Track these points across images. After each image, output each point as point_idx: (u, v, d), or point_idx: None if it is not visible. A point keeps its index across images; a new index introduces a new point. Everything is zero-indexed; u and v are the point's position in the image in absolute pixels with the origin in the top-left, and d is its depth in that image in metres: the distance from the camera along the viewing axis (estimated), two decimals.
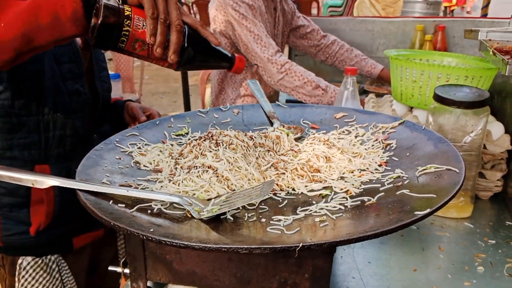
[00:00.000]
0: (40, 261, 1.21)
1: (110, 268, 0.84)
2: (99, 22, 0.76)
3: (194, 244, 0.53)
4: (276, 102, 1.15)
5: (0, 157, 1.14)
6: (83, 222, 1.23)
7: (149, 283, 0.76)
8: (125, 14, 0.79)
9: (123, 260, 0.81)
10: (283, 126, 1.01)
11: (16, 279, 1.21)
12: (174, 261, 0.72)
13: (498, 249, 0.93)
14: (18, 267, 1.20)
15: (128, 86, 4.58)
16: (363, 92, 2.24)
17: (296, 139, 0.96)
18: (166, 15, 0.80)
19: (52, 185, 0.69)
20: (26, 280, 1.20)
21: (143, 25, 0.79)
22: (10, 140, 1.12)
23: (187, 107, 4.22)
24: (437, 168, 0.72)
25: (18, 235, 1.20)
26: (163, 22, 0.79)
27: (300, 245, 0.51)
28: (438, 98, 1.02)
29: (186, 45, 0.82)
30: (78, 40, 1.20)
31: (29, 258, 1.20)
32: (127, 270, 0.79)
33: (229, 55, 0.91)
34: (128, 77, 4.35)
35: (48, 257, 1.23)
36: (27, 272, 1.20)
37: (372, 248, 0.95)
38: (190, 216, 0.65)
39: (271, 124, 1.04)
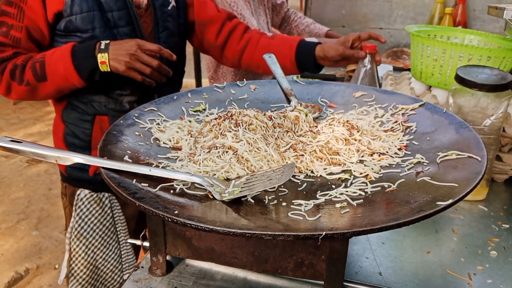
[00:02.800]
0: (95, 195, 1.35)
1: (129, 240, 0.86)
2: None
3: (219, 229, 0.54)
4: (293, 78, 1.14)
5: (72, 104, 1.32)
6: None
7: (168, 257, 0.79)
8: None
9: (142, 234, 0.83)
10: (301, 104, 1.01)
11: (73, 208, 1.35)
12: (193, 237, 0.73)
13: None
14: (76, 198, 1.35)
15: None
16: None
17: (314, 119, 0.96)
18: None
19: (76, 161, 0.70)
20: (81, 210, 1.35)
21: None
22: (77, 94, 1.29)
23: (198, 73, 4.19)
24: (459, 155, 0.72)
25: (79, 171, 1.35)
26: None
27: (324, 233, 0.52)
28: (460, 80, 1.00)
29: None
30: (141, 3, 1.29)
31: (86, 191, 1.34)
32: (146, 243, 0.81)
33: None
34: None
35: (103, 193, 1.37)
36: (83, 203, 1.35)
37: None
38: (211, 197, 0.66)
39: (288, 101, 1.04)
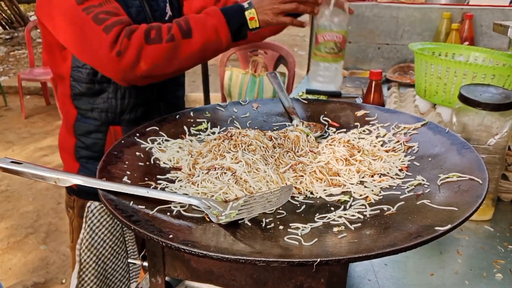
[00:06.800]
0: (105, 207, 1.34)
1: (129, 260, 0.86)
2: None
3: (213, 254, 0.53)
4: (296, 96, 1.14)
5: (83, 116, 1.35)
6: None
7: (167, 278, 0.78)
8: None
9: (142, 254, 0.83)
10: (302, 123, 1.01)
11: (84, 220, 1.35)
12: (192, 259, 0.73)
13: None
14: (86, 210, 1.34)
15: None
16: (386, 81, 2.20)
17: (316, 138, 0.96)
18: None
19: (74, 183, 0.71)
20: (92, 222, 1.35)
21: None
22: (92, 103, 1.32)
23: (206, 87, 4.22)
24: (460, 177, 0.71)
25: None
26: None
27: (318, 260, 0.51)
28: (463, 99, 0.99)
29: None
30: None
31: (97, 203, 1.34)
32: (146, 263, 0.81)
33: None
34: None
35: None
36: (93, 214, 1.35)
37: None
38: (208, 219, 0.66)
39: (291, 119, 1.03)
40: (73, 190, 1.44)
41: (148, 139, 0.91)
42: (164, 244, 0.56)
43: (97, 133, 1.35)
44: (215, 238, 0.61)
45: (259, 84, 2.96)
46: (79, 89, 1.31)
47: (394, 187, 0.75)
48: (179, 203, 0.69)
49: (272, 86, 1.16)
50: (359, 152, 0.84)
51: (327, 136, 0.97)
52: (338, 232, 0.61)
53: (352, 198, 0.73)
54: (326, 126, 1.03)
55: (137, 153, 0.85)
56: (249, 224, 0.65)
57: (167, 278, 0.78)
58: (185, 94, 1.57)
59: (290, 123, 1.03)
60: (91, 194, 1.34)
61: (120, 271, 1.44)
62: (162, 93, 1.39)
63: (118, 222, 1.38)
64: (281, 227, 0.64)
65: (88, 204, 1.34)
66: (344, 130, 1.00)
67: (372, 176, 0.79)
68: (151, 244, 0.73)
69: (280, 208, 0.70)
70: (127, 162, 0.81)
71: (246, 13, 1.16)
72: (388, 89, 1.94)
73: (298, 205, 0.72)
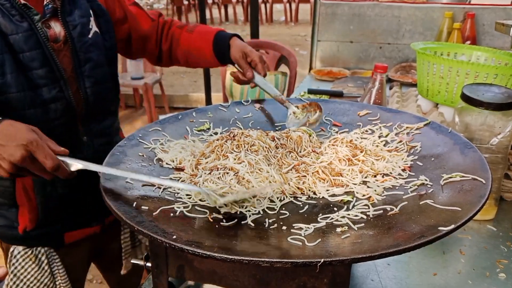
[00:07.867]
0: (29, 251, 1.21)
1: (132, 261, 0.86)
2: None
3: (216, 255, 0.53)
4: (298, 96, 1.14)
5: None
6: (75, 220, 1.23)
7: (170, 279, 0.78)
8: None
9: (145, 254, 0.83)
10: (297, 107, 1.02)
11: (8, 265, 1.22)
12: (195, 259, 0.73)
13: None
14: (9, 255, 1.21)
15: (149, 66, 4.61)
16: (388, 81, 2.20)
17: (316, 120, 0.98)
18: None
19: (76, 168, 0.73)
20: (16, 268, 1.22)
21: None
22: None
23: (207, 87, 4.23)
24: (463, 177, 0.71)
25: (8, 228, 1.19)
26: None
27: (322, 260, 0.51)
28: (466, 98, 0.99)
29: None
30: (58, 36, 1.08)
31: (20, 248, 1.21)
32: (149, 264, 0.81)
33: None
34: None
35: (38, 249, 1.22)
36: (17, 260, 1.21)
37: None
38: (211, 220, 0.66)
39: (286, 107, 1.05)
40: None
41: (151, 140, 0.91)
42: (167, 245, 0.56)
43: (3, 180, 1.13)
44: (218, 239, 0.61)
45: None
46: None
47: (397, 187, 0.75)
48: (182, 203, 0.69)
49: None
50: (361, 152, 0.84)
51: (330, 136, 0.97)
52: (341, 233, 0.61)
53: (355, 198, 0.73)
54: (329, 126, 1.03)
55: (140, 154, 0.85)
56: (252, 225, 0.66)
57: (170, 279, 0.78)
58: (186, 95, 1.51)
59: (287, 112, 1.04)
60: (15, 239, 1.20)
61: None
62: (85, 124, 1.15)
63: (46, 268, 1.25)
64: (284, 227, 0.64)
65: (11, 249, 1.21)
66: (347, 130, 1.00)
67: (375, 176, 0.79)
68: (154, 244, 0.73)
69: (283, 209, 0.70)
70: (129, 163, 0.81)
71: None
72: (390, 88, 1.94)
73: (301, 205, 0.72)
